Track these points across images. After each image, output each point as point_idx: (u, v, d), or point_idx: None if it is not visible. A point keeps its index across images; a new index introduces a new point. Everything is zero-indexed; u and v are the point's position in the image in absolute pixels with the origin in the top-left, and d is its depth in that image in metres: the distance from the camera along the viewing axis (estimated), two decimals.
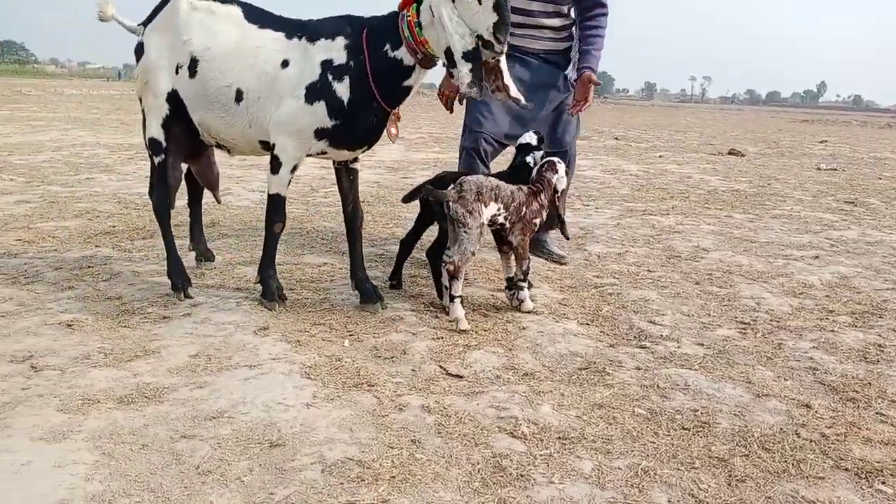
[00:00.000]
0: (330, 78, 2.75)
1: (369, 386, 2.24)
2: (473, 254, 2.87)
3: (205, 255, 3.48)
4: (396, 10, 2.73)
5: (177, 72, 2.94)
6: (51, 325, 2.63)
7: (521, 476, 1.77)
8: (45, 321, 2.67)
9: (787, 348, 2.75)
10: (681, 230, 4.99)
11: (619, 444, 1.95)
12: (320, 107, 2.75)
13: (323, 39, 2.79)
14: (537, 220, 3.06)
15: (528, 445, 1.93)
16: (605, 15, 3.63)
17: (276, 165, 2.86)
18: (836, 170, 9.93)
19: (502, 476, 1.77)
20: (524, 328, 2.84)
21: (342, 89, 2.75)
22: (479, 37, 2.55)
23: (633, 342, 2.75)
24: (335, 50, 2.76)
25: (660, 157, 10.89)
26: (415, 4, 2.66)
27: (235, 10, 2.95)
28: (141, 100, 3.09)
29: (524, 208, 2.99)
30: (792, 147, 14.44)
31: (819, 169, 9.94)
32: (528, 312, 3.04)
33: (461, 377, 2.35)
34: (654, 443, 1.97)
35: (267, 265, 3.00)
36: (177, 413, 2.00)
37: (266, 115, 2.83)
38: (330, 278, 3.43)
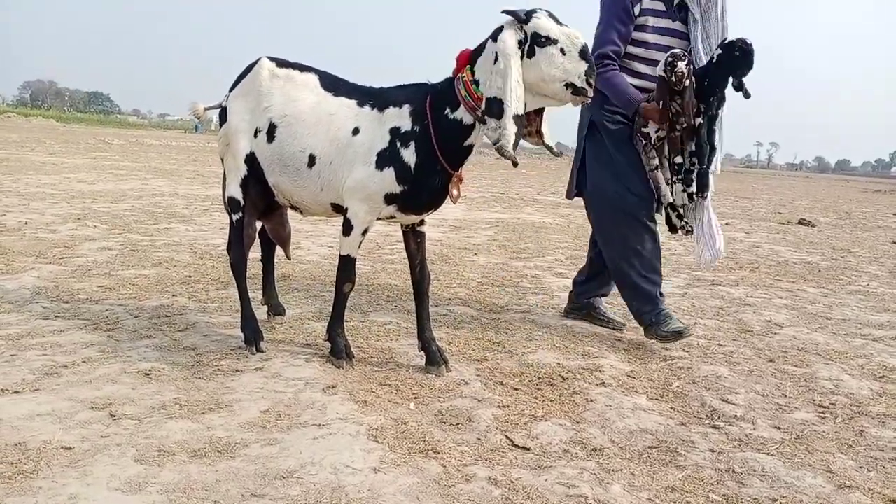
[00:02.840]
0: (398, 144, 2.85)
1: (435, 453, 2.23)
2: None
3: (276, 310, 3.57)
4: (452, 75, 2.85)
5: (255, 135, 3.08)
6: (129, 374, 2.73)
7: None
8: (124, 369, 2.77)
9: (869, 436, 2.62)
10: (751, 303, 4.86)
11: None
12: (389, 173, 2.84)
13: (391, 107, 2.90)
14: None
15: None
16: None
17: (348, 228, 2.95)
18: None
19: None
20: (592, 400, 2.80)
21: (409, 155, 2.84)
22: (570, 85, 2.62)
23: (705, 421, 2.67)
24: (402, 117, 2.87)
25: (726, 224, 10.70)
26: (468, 66, 2.76)
27: (312, 78, 3.09)
28: (223, 160, 3.24)
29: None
30: (865, 218, 13.98)
31: (895, 243, 9.58)
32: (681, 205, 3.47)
33: (528, 449, 2.32)
34: None
35: (336, 323, 3.07)
36: (248, 470, 2.03)
37: (338, 179, 2.93)
38: (395, 337, 3.46)
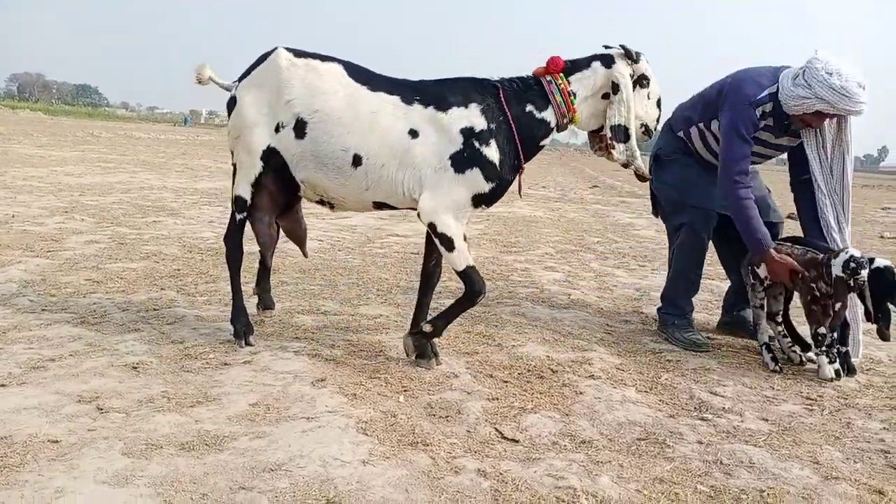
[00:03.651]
0: (477, 144, 2.80)
1: (424, 445, 2.23)
2: (758, 307, 3.44)
3: (266, 304, 3.53)
4: (531, 74, 2.93)
5: (277, 130, 2.93)
6: (117, 367, 2.71)
7: None
8: (111, 362, 2.75)
9: (855, 428, 2.64)
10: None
11: None
12: (474, 174, 2.81)
13: (455, 108, 2.82)
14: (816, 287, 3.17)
15: None
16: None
17: (448, 244, 2.85)
18: None
19: None
20: (581, 393, 2.80)
21: (492, 153, 2.82)
22: (645, 126, 3.02)
23: (693, 413, 2.68)
24: (473, 116, 2.82)
25: None
26: (562, 74, 2.89)
27: (337, 67, 2.95)
28: (233, 153, 3.12)
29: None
30: (854, 213, 14.05)
31: (883, 237, 9.64)
32: (827, 380, 3.13)
33: (517, 441, 2.32)
34: None
35: (444, 325, 3.00)
36: (236, 463, 2.02)
37: (393, 182, 2.85)
38: (385, 330, 3.46)
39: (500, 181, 2.88)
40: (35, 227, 5.53)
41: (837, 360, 3.19)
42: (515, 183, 3.01)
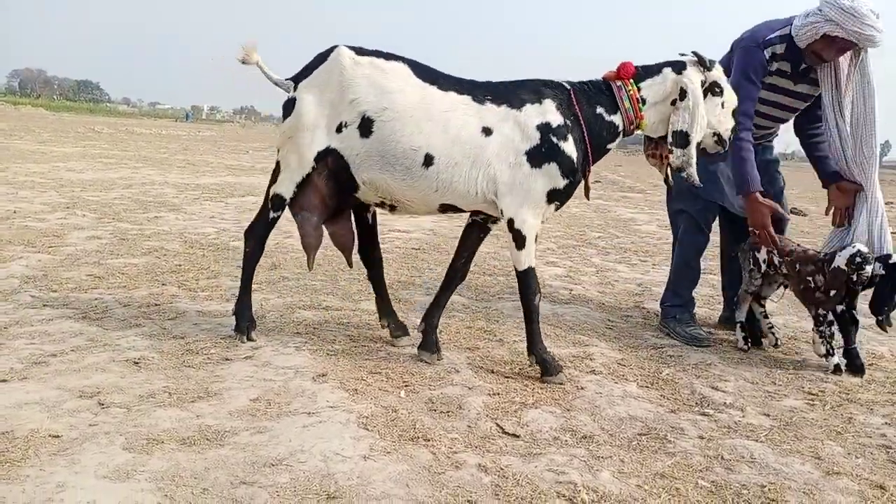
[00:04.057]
0: (554, 139, 2.81)
1: (425, 441, 2.23)
2: (748, 292, 3.52)
3: (399, 330, 3.26)
4: (602, 79, 2.96)
5: (339, 130, 2.88)
6: (118, 362, 2.71)
7: None
8: (113, 358, 2.75)
9: (857, 423, 2.64)
10: None
11: None
12: (552, 168, 2.80)
13: (529, 105, 2.84)
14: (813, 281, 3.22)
15: None
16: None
17: (520, 241, 2.84)
18: None
19: None
20: (582, 388, 2.80)
21: (569, 148, 2.83)
22: (718, 135, 2.99)
23: (695, 408, 2.68)
24: (548, 113, 2.83)
25: None
26: (632, 80, 2.91)
27: (402, 66, 2.90)
28: (278, 151, 3.04)
29: (799, 266, 3.27)
30: None
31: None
32: (821, 355, 3.23)
33: (518, 436, 2.32)
34: None
35: (538, 340, 2.92)
36: (237, 458, 2.03)
37: (466, 183, 2.82)
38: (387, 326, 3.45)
39: (574, 178, 2.88)
40: (37, 223, 5.53)
41: (836, 354, 3.19)
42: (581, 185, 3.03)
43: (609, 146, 2.99)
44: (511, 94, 2.87)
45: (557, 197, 2.86)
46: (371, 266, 3.32)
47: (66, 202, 6.77)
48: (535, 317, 2.92)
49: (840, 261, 3.10)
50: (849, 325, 3.23)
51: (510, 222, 2.83)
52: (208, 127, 44.03)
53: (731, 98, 2.99)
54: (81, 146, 15.71)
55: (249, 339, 3.04)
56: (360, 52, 2.93)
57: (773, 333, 3.54)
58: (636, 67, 2.94)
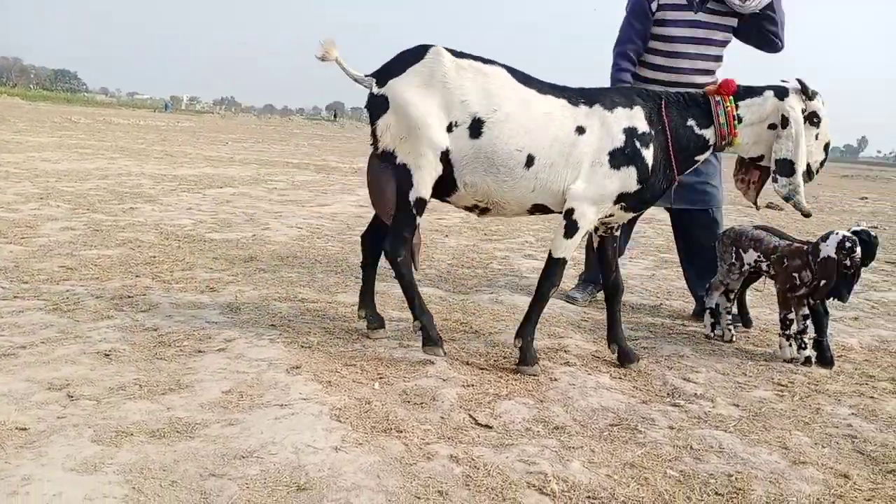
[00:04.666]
0: (637, 144, 2.87)
1: (398, 432, 2.24)
2: (721, 283, 3.55)
3: (376, 322, 3.25)
4: (703, 92, 3.01)
5: (449, 130, 2.86)
6: (89, 355, 2.68)
7: None
8: (83, 350, 2.72)
9: (824, 413, 2.68)
10: None
11: None
12: (628, 172, 2.86)
13: (620, 108, 2.90)
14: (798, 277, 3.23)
15: (556, 503, 1.90)
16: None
17: (572, 230, 2.89)
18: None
19: None
20: (556, 379, 2.82)
21: (649, 155, 2.88)
22: (808, 166, 3.02)
23: (666, 399, 2.71)
24: (635, 118, 2.89)
25: None
26: (732, 98, 2.96)
27: (501, 70, 2.93)
28: (391, 154, 2.90)
29: (786, 262, 3.26)
30: (832, 203, 14.22)
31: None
32: (787, 360, 3.26)
33: (490, 427, 2.34)
34: None
35: (531, 328, 2.94)
36: (207, 450, 2.02)
37: (557, 181, 2.87)
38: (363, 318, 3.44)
39: (648, 186, 2.92)
40: (9, 214, 5.45)
41: (808, 346, 3.24)
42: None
43: (697, 158, 3.02)
44: (604, 97, 2.94)
45: (626, 199, 2.91)
46: (373, 254, 3.29)
47: (39, 193, 6.67)
48: (542, 305, 2.97)
49: (829, 250, 3.12)
50: (822, 316, 3.28)
51: (570, 211, 2.88)
52: (188, 117, 43.59)
53: (825, 133, 3.05)
54: (57, 136, 15.48)
55: (443, 351, 2.96)
56: (456, 54, 2.93)
57: (730, 330, 3.57)
58: (738, 86, 2.99)
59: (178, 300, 3.48)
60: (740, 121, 2.97)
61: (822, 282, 3.16)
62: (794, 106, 2.94)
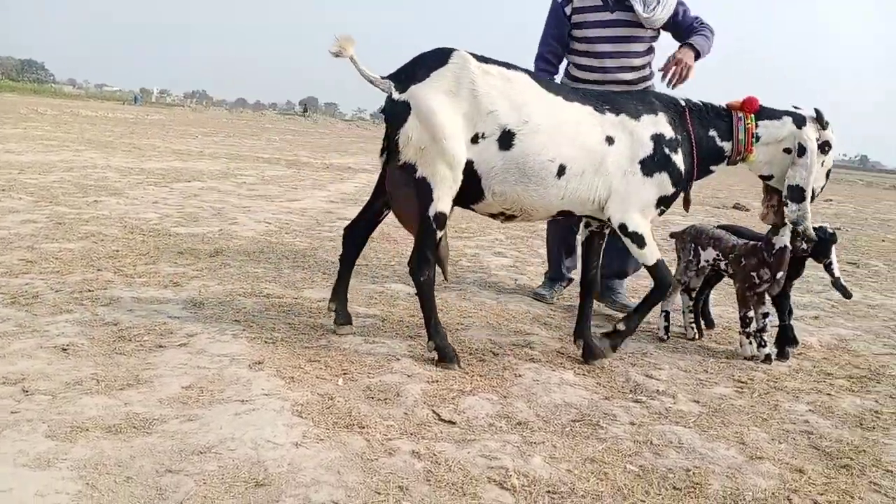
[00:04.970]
0: (666, 150, 2.93)
1: (360, 428, 2.23)
2: (679, 282, 3.58)
3: (343, 318, 3.18)
4: (725, 105, 3.08)
5: (475, 142, 2.80)
6: (46, 349, 2.63)
7: None
8: (40, 344, 2.67)
9: (782, 410, 2.73)
10: None
11: (609, 502, 1.93)
12: (662, 177, 2.93)
13: (646, 115, 2.95)
14: (757, 275, 3.27)
15: (516, 498, 1.90)
16: (709, 28, 3.73)
17: (639, 241, 2.95)
18: (839, 229, 9.92)
19: None
20: (520, 375, 2.83)
21: (679, 160, 2.96)
22: (813, 190, 3.06)
23: (628, 395, 2.74)
24: (661, 125, 2.96)
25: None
26: (753, 115, 3.04)
27: (527, 78, 2.91)
28: (411, 165, 2.80)
29: (744, 261, 3.30)
30: None
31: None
32: (747, 358, 3.31)
33: (454, 423, 2.34)
34: (645, 502, 1.94)
35: (636, 324, 3.08)
36: (164, 446, 1.99)
37: (588, 190, 2.89)
38: (329, 314, 3.42)
39: (679, 188, 3.00)
40: None
41: (768, 344, 3.30)
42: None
43: (712, 168, 3.10)
44: (628, 104, 2.98)
45: (664, 203, 3.01)
46: (355, 248, 3.24)
47: (1, 185, 6.52)
48: (654, 304, 3.08)
49: (783, 241, 3.18)
50: (787, 301, 3.34)
51: (623, 227, 2.93)
52: (157, 110, 42.90)
53: (830, 161, 3.14)
54: (22, 128, 15.15)
55: (459, 366, 2.86)
56: (481, 59, 2.88)
57: (693, 328, 3.61)
58: (760, 105, 3.07)
59: (141, 295, 3.43)
60: (758, 139, 3.04)
61: (780, 273, 3.22)
62: (811, 136, 3.02)
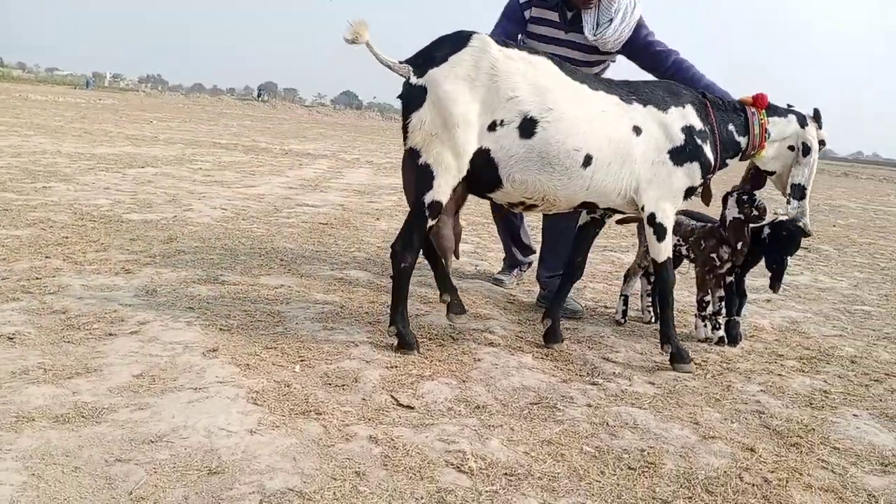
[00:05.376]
0: (697, 141, 2.95)
1: (317, 414, 2.21)
2: (639, 266, 3.64)
3: (459, 309, 3.12)
4: (738, 101, 3.12)
5: (492, 129, 2.74)
6: None
7: None
8: None
9: (735, 390, 2.78)
10: None
11: (565, 483, 1.94)
12: (693, 168, 2.94)
13: (674, 107, 2.95)
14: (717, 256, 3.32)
15: (473, 481, 1.91)
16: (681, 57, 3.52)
17: (662, 233, 2.94)
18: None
19: None
20: (479, 360, 2.83)
21: (708, 151, 2.98)
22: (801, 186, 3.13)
23: (585, 378, 2.76)
24: (689, 117, 2.96)
25: None
26: (765, 111, 3.08)
27: (550, 64, 2.83)
28: (417, 151, 2.75)
29: (703, 243, 3.35)
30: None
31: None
32: (701, 340, 3.37)
33: (412, 408, 2.33)
34: (600, 482, 1.96)
35: (673, 332, 3.02)
36: (114, 435, 1.94)
37: (615, 181, 2.86)
38: (286, 301, 3.38)
39: (706, 178, 3.04)
40: None
41: (722, 327, 3.36)
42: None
43: (728, 162, 3.13)
44: (654, 95, 2.97)
45: (691, 193, 3.01)
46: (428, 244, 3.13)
47: None
48: (671, 307, 3.05)
49: (733, 212, 3.26)
50: (735, 297, 3.40)
51: (652, 216, 2.92)
52: (110, 95, 41.76)
53: (816, 158, 3.21)
54: None
55: (418, 352, 2.83)
56: (502, 43, 2.81)
57: (650, 311, 3.68)
58: (770, 104, 3.12)
59: (91, 282, 3.33)
60: (769, 136, 3.09)
61: (740, 244, 3.27)
62: (814, 135, 3.11)
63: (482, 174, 2.80)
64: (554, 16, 3.56)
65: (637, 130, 2.88)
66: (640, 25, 3.48)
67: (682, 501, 1.89)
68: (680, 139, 2.92)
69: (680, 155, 2.92)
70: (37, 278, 3.30)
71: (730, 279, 3.38)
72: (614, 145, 2.84)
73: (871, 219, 10.72)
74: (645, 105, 2.93)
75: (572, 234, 3.71)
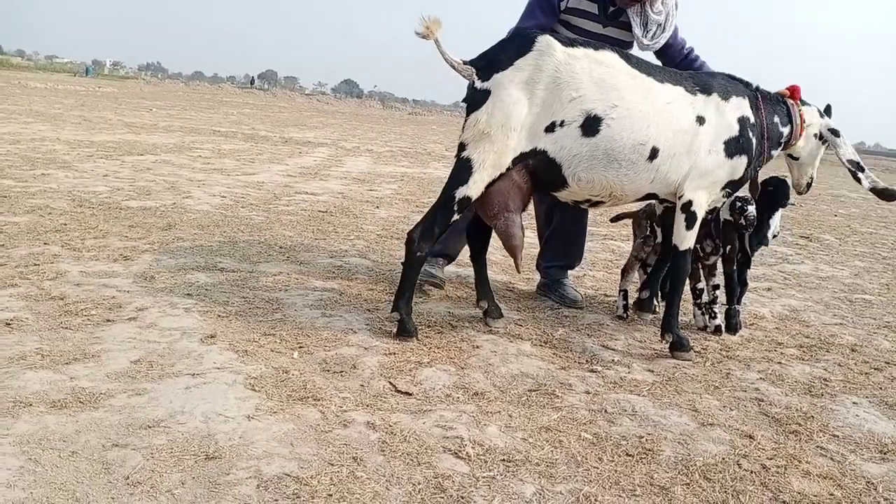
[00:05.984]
0: (749, 133, 2.96)
1: (315, 400, 2.20)
2: (636, 258, 3.54)
3: (494, 314, 3.13)
4: (778, 93, 3.15)
5: (551, 130, 2.74)
6: None
7: (462, 498, 1.75)
8: None
9: (734, 378, 2.78)
10: None
11: (563, 469, 1.94)
12: (740, 160, 2.95)
13: (734, 97, 2.97)
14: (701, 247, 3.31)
15: (471, 467, 1.90)
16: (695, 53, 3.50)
17: (692, 221, 2.94)
18: (793, 205, 10.13)
19: (443, 497, 1.74)
20: (478, 347, 2.83)
21: (756, 143, 2.99)
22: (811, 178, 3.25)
23: (584, 366, 2.76)
24: (745, 108, 2.98)
25: None
26: (800, 102, 3.12)
27: (617, 58, 2.82)
28: (464, 146, 2.77)
29: None
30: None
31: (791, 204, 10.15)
32: (700, 328, 3.37)
33: (410, 394, 2.33)
34: (598, 468, 1.96)
35: (675, 322, 3.00)
36: (111, 420, 1.94)
37: (676, 171, 2.86)
38: (285, 287, 3.37)
39: (748, 173, 3.02)
40: None
41: (718, 316, 3.34)
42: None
43: (773, 153, 3.11)
44: (717, 84, 2.97)
45: (731, 186, 3.00)
46: (479, 242, 3.18)
47: None
48: (679, 296, 3.03)
49: (724, 214, 3.27)
50: (736, 286, 3.39)
51: (688, 203, 2.91)
52: (110, 83, 41.60)
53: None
54: None
55: (417, 339, 2.82)
56: (567, 42, 2.78)
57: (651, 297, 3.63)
58: (800, 95, 3.15)
59: (89, 269, 3.32)
60: (806, 125, 3.12)
61: (728, 247, 3.29)
62: (832, 124, 3.17)
63: (543, 174, 2.81)
64: (593, 7, 3.34)
65: (700, 120, 2.88)
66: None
67: (680, 488, 1.89)
68: (735, 130, 2.93)
69: (733, 146, 2.93)
70: (35, 264, 3.29)
71: (729, 270, 3.37)
72: (680, 136, 2.85)
73: (872, 208, 10.70)
74: (709, 94, 2.93)
75: (571, 224, 3.70)
